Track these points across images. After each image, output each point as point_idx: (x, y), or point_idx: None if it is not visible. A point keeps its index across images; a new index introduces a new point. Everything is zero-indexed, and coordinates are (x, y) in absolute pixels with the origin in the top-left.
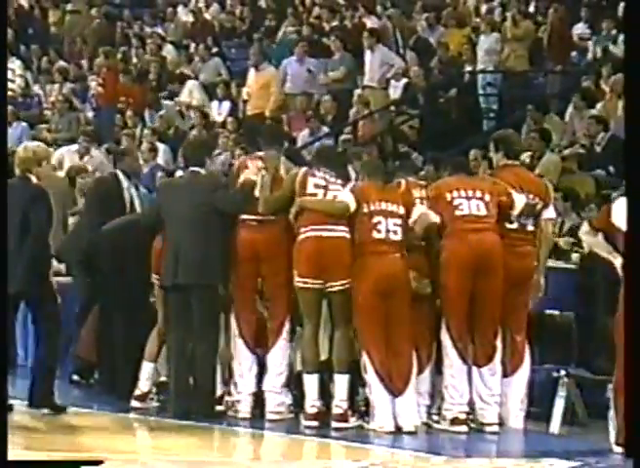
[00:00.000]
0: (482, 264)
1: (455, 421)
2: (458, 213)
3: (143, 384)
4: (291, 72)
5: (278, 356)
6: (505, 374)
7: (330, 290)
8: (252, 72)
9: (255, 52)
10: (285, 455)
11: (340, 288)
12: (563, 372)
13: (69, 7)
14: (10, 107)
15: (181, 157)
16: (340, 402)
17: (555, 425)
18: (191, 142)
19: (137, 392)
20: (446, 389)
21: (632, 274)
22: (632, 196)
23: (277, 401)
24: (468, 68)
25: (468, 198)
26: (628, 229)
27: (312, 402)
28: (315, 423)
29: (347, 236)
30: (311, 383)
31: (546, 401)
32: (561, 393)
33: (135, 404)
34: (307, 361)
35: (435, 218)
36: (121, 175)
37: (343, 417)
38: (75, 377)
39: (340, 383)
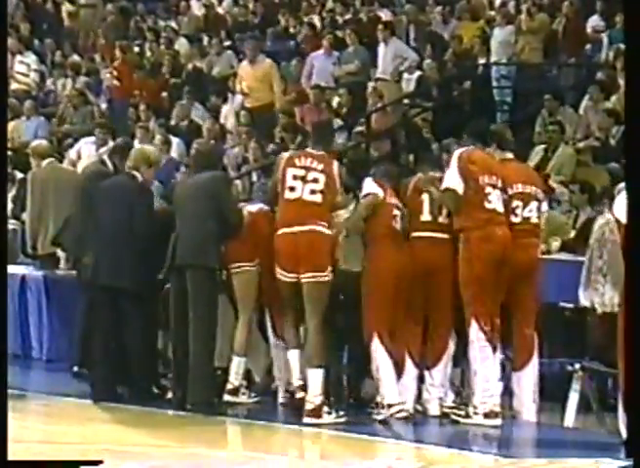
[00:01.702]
0: (503, 258)
1: (489, 415)
2: (487, 205)
3: (234, 378)
4: (317, 65)
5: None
6: (514, 368)
7: (302, 281)
8: (246, 66)
9: (250, 46)
10: (294, 448)
11: (312, 280)
12: (577, 366)
13: (83, 1)
14: (28, 102)
15: (193, 163)
16: (313, 397)
17: (570, 418)
18: (200, 150)
19: (228, 386)
20: (477, 382)
21: (632, 274)
22: (632, 196)
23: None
24: (481, 61)
25: (494, 186)
26: (628, 229)
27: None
28: (315, 420)
29: (322, 230)
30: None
31: (561, 394)
32: (575, 386)
33: (227, 398)
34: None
35: (460, 188)
36: (108, 161)
37: (316, 413)
38: (76, 369)
39: (314, 378)
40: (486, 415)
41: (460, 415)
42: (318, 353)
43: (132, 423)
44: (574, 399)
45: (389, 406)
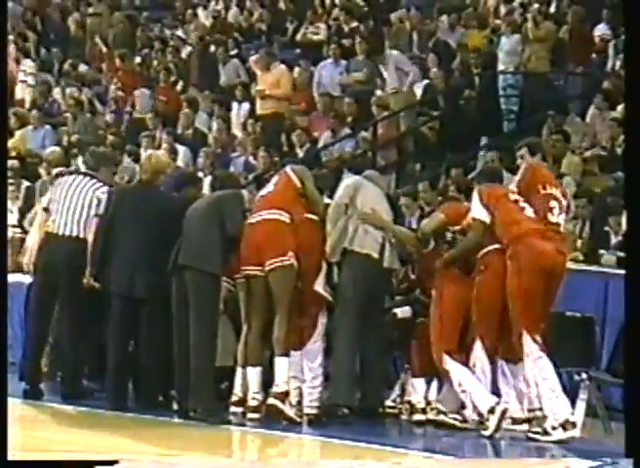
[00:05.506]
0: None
1: (566, 426)
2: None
3: (282, 382)
4: (325, 74)
5: (313, 351)
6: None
7: (267, 269)
8: (263, 73)
9: (263, 54)
10: (296, 456)
11: (278, 264)
12: (584, 375)
13: (90, 10)
14: (34, 111)
15: (213, 183)
16: (282, 383)
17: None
18: (223, 175)
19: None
20: (543, 395)
21: (632, 273)
22: (632, 197)
23: (313, 396)
24: (488, 70)
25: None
26: (628, 230)
27: (253, 394)
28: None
29: (281, 218)
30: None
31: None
32: (582, 396)
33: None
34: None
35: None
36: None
37: (281, 397)
38: None
39: (281, 365)
40: (563, 427)
41: (537, 432)
42: (283, 342)
43: (137, 430)
44: (580, 408)
45: (491, 411)
